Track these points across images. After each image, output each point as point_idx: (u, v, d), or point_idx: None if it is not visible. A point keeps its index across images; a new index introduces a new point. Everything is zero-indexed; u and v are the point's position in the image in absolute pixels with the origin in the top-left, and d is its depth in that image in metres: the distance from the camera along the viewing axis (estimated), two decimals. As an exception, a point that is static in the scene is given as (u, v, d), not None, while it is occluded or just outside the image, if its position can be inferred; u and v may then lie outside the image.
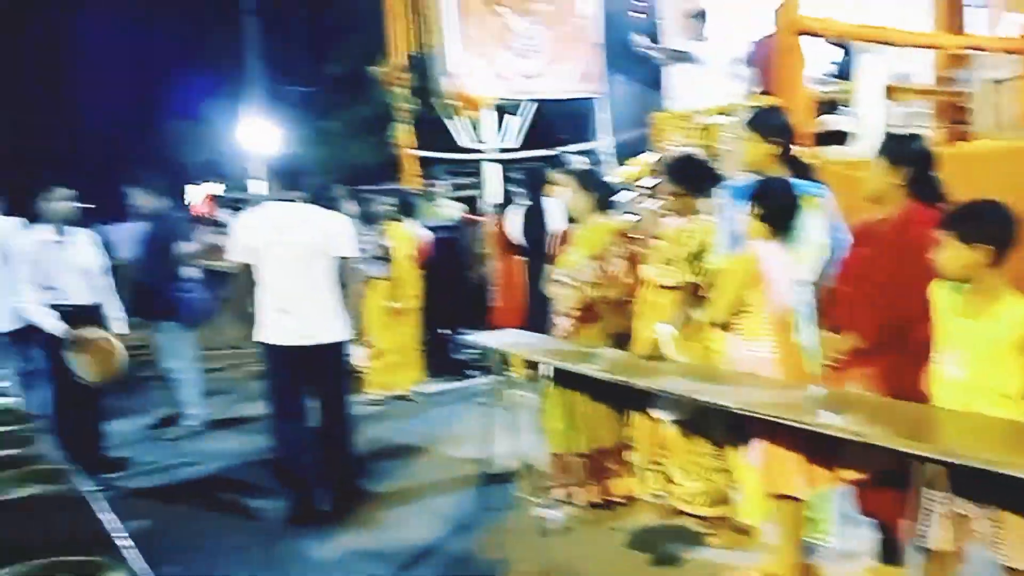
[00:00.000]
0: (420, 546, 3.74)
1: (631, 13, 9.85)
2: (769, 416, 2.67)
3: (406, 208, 7.02)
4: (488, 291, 6.85)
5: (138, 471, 5.05)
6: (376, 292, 6.54)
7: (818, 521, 3.21)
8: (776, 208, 3.08)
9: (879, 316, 2.85)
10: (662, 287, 3.60)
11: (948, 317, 2.60)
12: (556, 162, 8.01)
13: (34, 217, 5.26)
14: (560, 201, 4.25)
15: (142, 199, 5.53)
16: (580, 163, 6.92)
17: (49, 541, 1.64)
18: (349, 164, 14.73)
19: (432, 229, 7.28)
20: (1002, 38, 6.01)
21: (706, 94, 7.18)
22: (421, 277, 6.73)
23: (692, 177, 3.68)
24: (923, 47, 5.69)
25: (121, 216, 8.37)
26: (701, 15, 7.48)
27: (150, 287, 5.52)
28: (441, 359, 7.17)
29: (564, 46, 9.30)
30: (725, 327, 3.19)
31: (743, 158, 3.59)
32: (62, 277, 4.90)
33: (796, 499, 3.02)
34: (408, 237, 6.74)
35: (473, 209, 8.86)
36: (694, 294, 3.52)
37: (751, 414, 2.73)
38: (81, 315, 4.71)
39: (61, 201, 4.92)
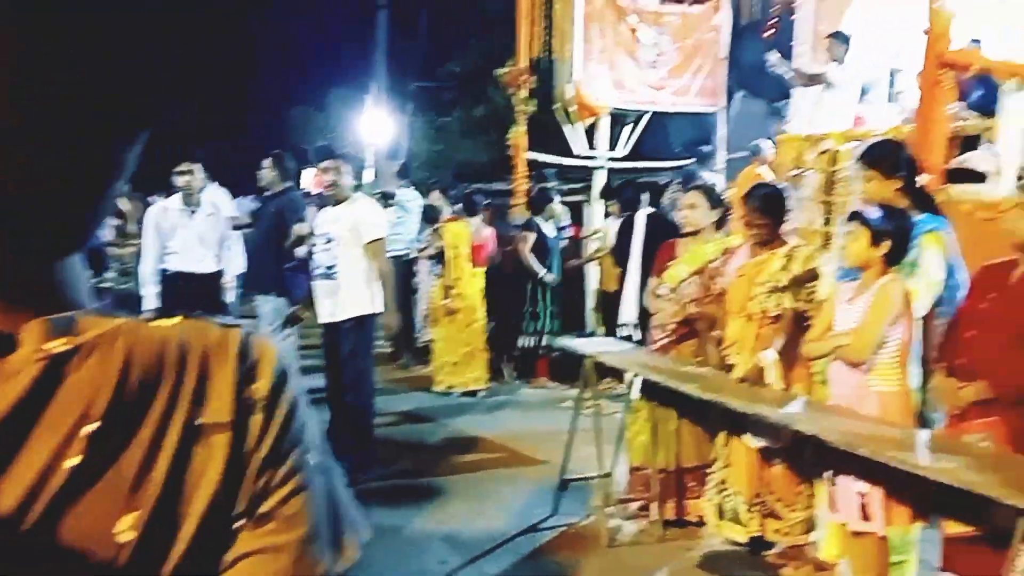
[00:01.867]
0: (490, 540, 3.76)
1: (764, 31, 9.66)
2: (875, 457, 2.54)
3: (538, 203, 7.10)
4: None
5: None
6: (435, 291, 6.71)
7: (900, 565, 3.04)
8: (900, 238, 2.95)
9: (1012, 367, 2.68)
10: (764, 315, 3.50)
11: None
12: (681, 174, 7.96)
13: (169, 190, 5.62)
14: (680, 214, 4.22)
15: (270, 176, 5.79)
16: (707, 177, 6.82)
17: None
18: (462, 161, 14.95)
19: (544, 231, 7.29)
20: None
21: (835, 118, 6.97)
22: (482, 275, 6.74)
23: (776, 209, 3.64)
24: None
25: (245, 192, 8.81)
26: (842, 37, 7.26)
27: (266, 261, 5.76)
28: (527, 361, 7.19)
29: (690, 58, 9.17)
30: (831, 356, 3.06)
31: (862, 192, 3.47)
32: (187, 245, 5.22)
33: (876, 536, 2.88)
34: (465, 236, 6.73)
35: (578, 216, 8.85)
36: (796, 322, 3.41)
37: (856, 452, 2.60)
38: (202, 283, 4.98)
39: (189, 175, 5.23)
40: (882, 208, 3.00)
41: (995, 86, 5.21)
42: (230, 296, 5.82)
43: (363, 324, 4.60)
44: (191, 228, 5.40)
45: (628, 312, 6.30)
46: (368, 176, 14.97)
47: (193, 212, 5.44)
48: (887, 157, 3.35)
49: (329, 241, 4.60)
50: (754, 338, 3.49)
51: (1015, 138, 4.75)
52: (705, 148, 9.27)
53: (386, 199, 8.13)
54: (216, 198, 5.82)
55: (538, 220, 7.07)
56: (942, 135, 4.53)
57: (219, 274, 5.54)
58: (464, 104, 16.02)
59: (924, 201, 3.30)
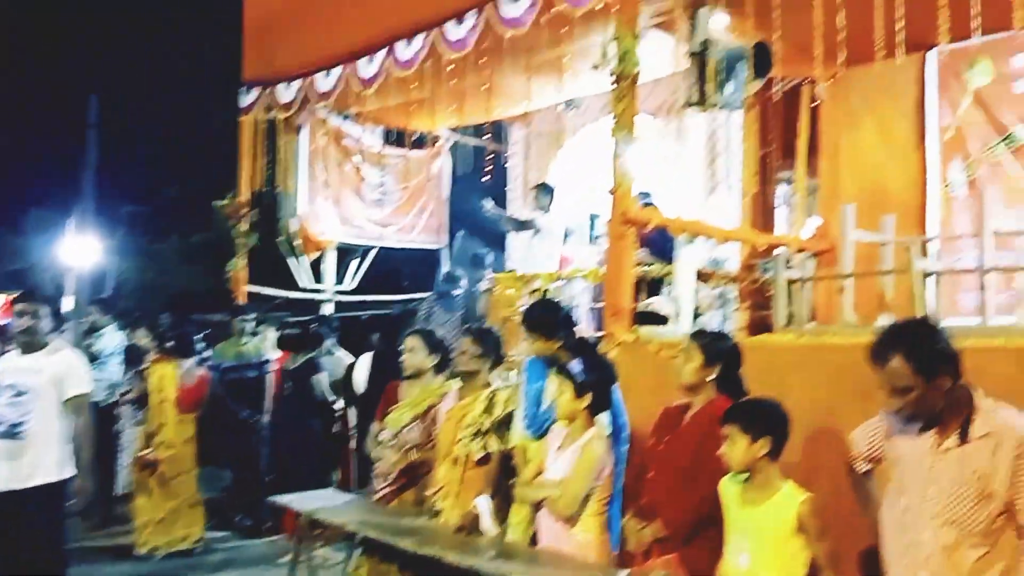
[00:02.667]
0: None
1: (482, 176, 10.38)
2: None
3: (183, 344, 6.47)
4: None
5: None
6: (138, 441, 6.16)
7: None
8: (602, 390, 3.16)
9: (681, 505, 2.96)
10: (469, 459, 3.57)
11: (733, 507, 2.77)
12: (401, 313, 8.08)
13: None
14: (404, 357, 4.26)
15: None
16: (428, 316, 6.97)
17: None
18: (178, 290, 14.09)
19: (235, 368, 6.93)
20: (800, 238, 6.77)
21: (544, 260, 7.57)
22: (191, 422, 6.17)
23: (488, 348, 3.79)
24: (733, 240, 6.27)
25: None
26: (546, 188, 7.99)
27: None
28: (241, 513, 6.71)
29: (414, 198, 9.60)
30: (538, 504, 3.18)
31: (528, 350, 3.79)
32: None
33: None
34: (172, 379, 6.15)
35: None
36: (502, 464, 3.53)
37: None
38: None
39: None
40: (584, 361, 3.21)
41: (672, 236, 6.00)
42: None
43: (52, 492, 4.00)
44: None
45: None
46: (67, 304, 13.54)
47: None
48: (544, 321, 3.66)
49: (19, 394, 4.00)
50: (459, 482, 3.54)
51: (688, 284, 5.45)
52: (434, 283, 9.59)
53: (86, 336, 7.38)
54: None
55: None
56: (629, 280, 5.05)
57: None
58: (182, 230, 15.27)
59: (586, 353, 3.63)
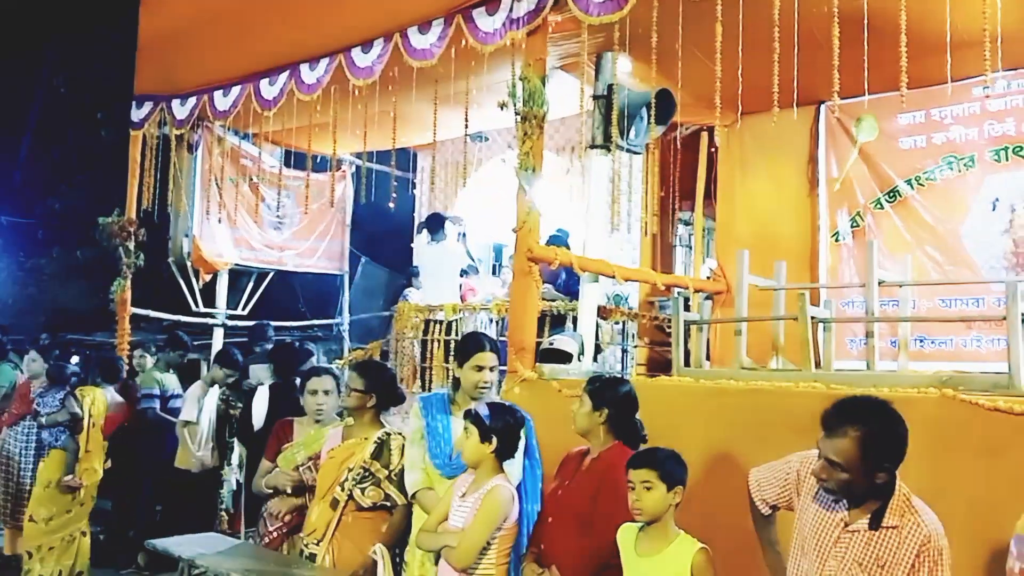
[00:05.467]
0: None
1: (386, 203, 10.22)
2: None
3: (107, 369, 6.38)
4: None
5: None
6: (52, 464, 5.75)
7: None
8: (508, 436, 3.07)
9: (578, 553, 2.92)
10: (350, 503, 3.44)
11: (630, 555, 2.74)
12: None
13: None
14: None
15: None
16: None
17: None
18: (58, 308, 13.27)
19: (141, 398, 6.61)
20: (697, 279, 6.95)
21: (448, 291, 7.49)
22: (104, 450, 6.00)
23: (373, 383, 3.64)
24: (634, 279, 6.37)
25: None
26: (453, 219, 7.95)
27: None
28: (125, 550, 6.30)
29: (315, 223, 9.36)
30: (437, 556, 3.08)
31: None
32: None
33: None
34: (103, 403, 6.05)
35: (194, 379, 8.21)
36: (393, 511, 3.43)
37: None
38: None
39: None
40: (490, 406, 3.12)
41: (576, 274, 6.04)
42: None
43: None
44: None
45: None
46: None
47: None
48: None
49: None
50: (335, 526, 3.40)
51: (589, 321, 5.48)
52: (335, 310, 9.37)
53: None
54: None
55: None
56: (533, 317, 5.04)
57: None
58: (65, 245, 14.40)
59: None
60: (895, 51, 3.87)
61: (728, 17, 4.34)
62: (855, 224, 6.21)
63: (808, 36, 4.40)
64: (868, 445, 2.29)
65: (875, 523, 2.36)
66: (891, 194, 6.06)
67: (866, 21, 4.37)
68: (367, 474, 3.45)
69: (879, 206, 6.11)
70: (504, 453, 3.06)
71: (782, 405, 3.56)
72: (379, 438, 3.53)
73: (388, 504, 3.47)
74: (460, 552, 2.92)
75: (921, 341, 5.53)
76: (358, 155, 9.36)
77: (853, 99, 5.69)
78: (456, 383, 3.53)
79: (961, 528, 2.62)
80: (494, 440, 3.02)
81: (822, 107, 6.33)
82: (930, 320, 5.47)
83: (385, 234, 9.74)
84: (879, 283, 4.64)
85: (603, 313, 6.09)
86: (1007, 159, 5.59)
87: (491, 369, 3.45)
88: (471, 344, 3.50)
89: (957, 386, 3.20)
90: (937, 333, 5.56)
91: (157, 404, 6.59)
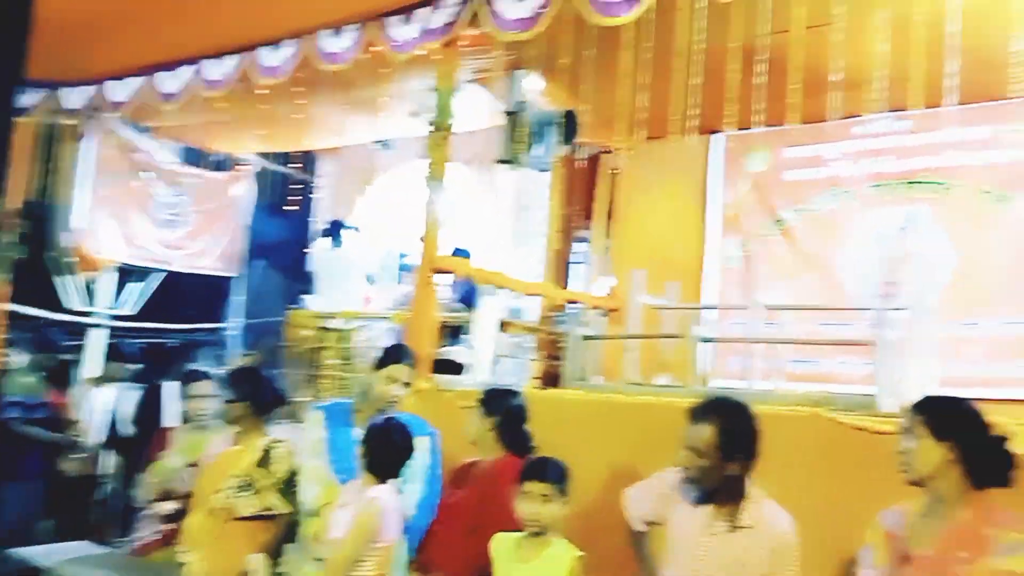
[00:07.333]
0: None
1: (287, 205, 10.04)
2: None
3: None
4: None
5: None
6: None
7: None
8: (386, 454, 3.03)
9: (460, 561, 2.95)
10: (229, 512, 3.35)
11: (504, 563, 2.79)
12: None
13: None
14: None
15: None
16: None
17: None
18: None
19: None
20: (594, 296, 7.12)
21: (347, 298, 7.40)
22: None
23: (250, 391, 3.55)
24: (532, 294, 6.48)
25: None
26: (347, 226, 7.87)
27: None
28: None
29: (210, 222, 9.06)
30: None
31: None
32: None
33: None
34: None
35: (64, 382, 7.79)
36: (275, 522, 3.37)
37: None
38: None
39: None
40: (374, 426, 3.06)
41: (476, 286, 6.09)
42: None
43: None
44: None
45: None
46: None
47: None
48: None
49: None
50: (214, 536, 3.31)
51: (487, 333, 5.53)
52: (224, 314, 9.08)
53: None
54: None
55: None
56: (432, 327, 5.06)
57: None
58: (-67, 234, 13.42)
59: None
60: (786, 87, 4.12)
61: (635, 45, 4.51)
62: (744, 250, 6.51)
63: (707, 68, 4.62)
64: (724, 435, 2.58)
65: (732, 524, 2.57)
66: (778, 223, 6.39)
67: (765, 56, 4.62)
68: (249, 483, 3.37)
69: (767, 234, 6.43)
70: (376, 469, 3.00)
71: (666, 419, 3.68)
72: (263, 446, 3.46)
73: (270, 513, 3.40)
74: (331, 566, 2.89)
75: (799, 363, 5.84)
76: (260, 155, 9.17)
77: (745, 131, 6.00)
78: (364, 392, 3.49)
79: (822, 538, 2.80)
80: (368, 454, 2.99)
81: (717, 136, 6.62)
82: (805, 343, 5.78)
83: (283, 238, 9.52)
84: (764, 306, 4.88)
85: (502, 326, 6.16)
86: (884, 195, 5.99)
87: (404, 384, 3.41)
88: (392, 354, 3.47)
89: (826, 405, 3.40)
90: (813, 356, 5.88)
91: (21, 412, 6.18)
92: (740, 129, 5.93)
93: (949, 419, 2.33)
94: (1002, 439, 2.31)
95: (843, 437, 3.23)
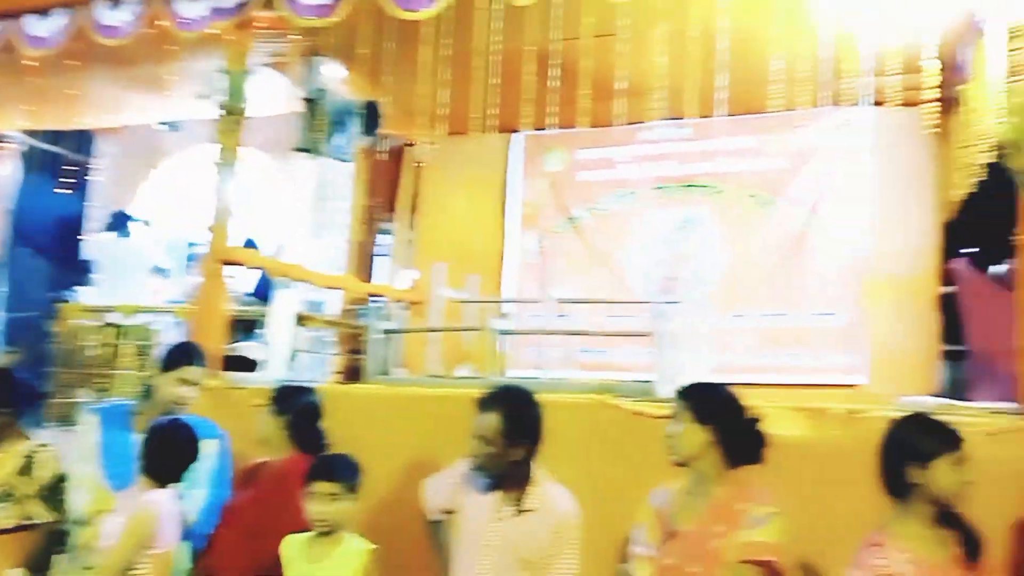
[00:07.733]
0: None
1: (58, 187, 9.16)
2: None
3: None
4: None
5: None
6: None
7: None
8: (166, 457, 2.87)
9: (242, 564, 2.87)
10: None
11: (297, 564, 2.74)
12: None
13: None
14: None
15: None
16: None
17: None
18: None
19: None
20: (397, 289, 7.11)
21: (128, 290, 6.88)
22: None
23: (10, 395, 3.22)
24: (332, 287, 6.36)
25: None
26: (121, 217, 7.35)
27: None
28: None
29: (-36, 204, 8.11)
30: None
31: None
32: None
33: None
34: None
35: None
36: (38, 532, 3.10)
37: None
38: None
39: None
40: (154, 427, 2.91)
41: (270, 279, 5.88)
42: None
43: None
44: None
45: None
46: None
47: None
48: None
49: None
50: None
51: (283, 328, 5.36)
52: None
53: None
54: None
55: None
56: (220, 321, 4.82)
57: None
58: None
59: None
60: (577, 92, 4.33)
61: (435, 41, 4.55)
62: (540, 245, 6.77)
63: (505, 69, 4.75)
64: (509, 421, 2.71)
65: (518, 508, 2.70)
66: (571, 220, 6.70)
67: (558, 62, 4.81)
68: (8, 492, 3.06)
69: (561, 230, 6.72)
70: (154, 473, 2.84)
71: (464, 410, 3.76)
72: (25, 452, 3.15)
73: (31, 523, 3.10)
74: (101, 573, 2.73)
75: (589, 352, 6.16)
76: (27, 132, 8.30)
77: (543, 131, 6.23)
78: (148, 392, 3.27)
79: (603, 517, 2.99)
80: (146, 457, 2.84)
81: (516, 135, 6.83)
82: (593, 334, 6.11)
83: (53, 223, 8.68)
84: (557, 300, 5.11)
85: (300, 320, 5.99)
86: (665, 197, 6.45)
87: (196, 386, 3.23)
88: (183, 354, 3.27)
89: (610, 392, 3.63)
90: (602, 346, 6.23)
91: None
92: (537, 129, 6.15)
93: (709, 404, 2.57)
94: (755, 420, 2.58)
95: (624, 422, 3.46)
